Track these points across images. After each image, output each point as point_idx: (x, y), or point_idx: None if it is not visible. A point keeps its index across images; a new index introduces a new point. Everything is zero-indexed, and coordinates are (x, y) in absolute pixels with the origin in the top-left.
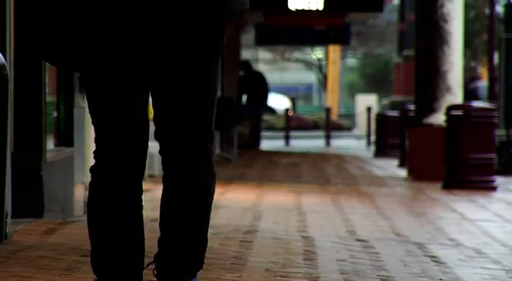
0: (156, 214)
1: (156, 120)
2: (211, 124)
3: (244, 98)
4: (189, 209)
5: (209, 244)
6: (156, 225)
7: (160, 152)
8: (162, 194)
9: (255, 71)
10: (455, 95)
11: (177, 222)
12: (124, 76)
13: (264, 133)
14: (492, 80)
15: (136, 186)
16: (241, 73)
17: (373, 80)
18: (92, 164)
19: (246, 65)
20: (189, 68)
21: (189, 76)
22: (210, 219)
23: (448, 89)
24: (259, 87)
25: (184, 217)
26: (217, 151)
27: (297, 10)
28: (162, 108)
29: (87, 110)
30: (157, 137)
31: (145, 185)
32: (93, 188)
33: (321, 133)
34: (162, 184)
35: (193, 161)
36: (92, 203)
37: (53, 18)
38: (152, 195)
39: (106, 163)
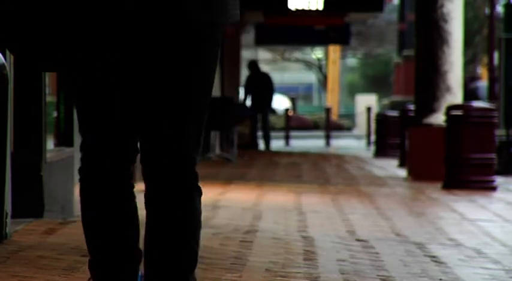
0: None
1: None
2: (196, 146)
3: (249, 98)
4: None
5: (209, 244)
6: None
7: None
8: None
9: (261, 72)
10: (455, 95)
11: (163, 243)
12: (121, 77)
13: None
14: (492, 80)
15: (129, 185)
16: (248, 73)
17: (373, 80)
18: (81, 164)
19: (253, 65)
20: (181, 72)
21: (178, 85)
22: (210, 219)
23: (448, 89)
24: (265, 88)
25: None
26: (217, 150)
27: (297, 10)
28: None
29: None
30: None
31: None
32: (84, 192)
33: (321, 133)
34: None
35: (174, 194)
36: (85, 207)
37: (53, 18)
38: None
39: (100, 164)
